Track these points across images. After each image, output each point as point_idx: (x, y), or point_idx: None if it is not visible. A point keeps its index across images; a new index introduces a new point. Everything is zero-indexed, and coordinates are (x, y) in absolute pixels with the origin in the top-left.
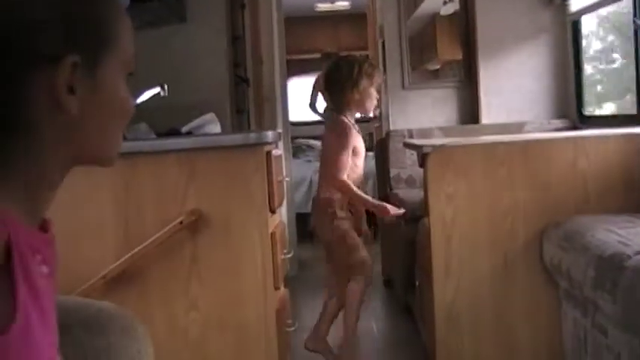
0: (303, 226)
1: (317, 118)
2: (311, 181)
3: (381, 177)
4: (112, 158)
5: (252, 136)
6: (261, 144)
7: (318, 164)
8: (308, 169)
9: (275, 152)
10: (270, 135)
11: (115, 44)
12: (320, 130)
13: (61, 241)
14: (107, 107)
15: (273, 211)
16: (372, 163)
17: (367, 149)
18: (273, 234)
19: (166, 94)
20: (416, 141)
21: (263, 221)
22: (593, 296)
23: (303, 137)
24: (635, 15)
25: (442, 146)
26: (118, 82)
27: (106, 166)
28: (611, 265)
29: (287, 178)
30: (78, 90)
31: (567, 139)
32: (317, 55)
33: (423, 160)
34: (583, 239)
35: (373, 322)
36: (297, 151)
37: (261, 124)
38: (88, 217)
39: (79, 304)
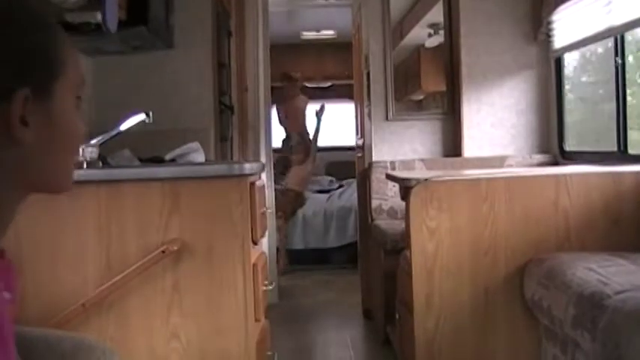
0: (287, 255)
1: None
2: (293, 220)
3: (363, 208)
4: (66, 185)
5: (236, 167)
6: (245, 175)
7: None
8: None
9: (259, 183)
10: (254, 166)
11: (63, 72)
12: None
13: (41, 267)
14: (60, 135)
15: (255, 243)
16: (355, 195)
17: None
18: (255, 265)
19: (151, 121)
20: (398, 173)
21: (245, 253)
22: (573, 334)
23: None
24: (616, 54)
25: (425, 181)
26: (69, 109)
27: (61, 193)
28: (591, 304)
29: (269, 210)
30: (31, 121)
31: (549, 175)
32: (302, 83)
33: (405, 193)
34: (564, 277)
35: (352, 352)
36: (279, 178)
37: (245, 152)
38: (69, 243)
39: (59, 337)
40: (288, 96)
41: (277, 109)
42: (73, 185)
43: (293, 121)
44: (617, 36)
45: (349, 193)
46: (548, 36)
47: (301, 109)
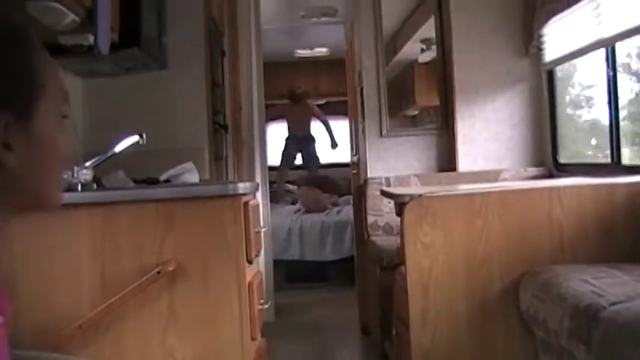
0: (281, 272)
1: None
2: (289, 229)
3: (359, 224)
4: (54, 202)
5: (230, 187)
6: (238, 195)
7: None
8: (287, 216)
9: (253, 202)
10: (247, 186)
11: (43, 92)
12: (296, 174)
13: (37, 290)
14: (45, 156)
15: (250, 262)
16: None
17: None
18: (250, 284)
19: (145, 142)
20: (393, 189)
21: (240, 272)
22: (569, 346)
23: (284, 182)
24: (608, 65)
25: (419, 196)
26: (52, 128)
27: (51, 210)
28: (586, 316)
29: (264, 228)
30: (14, 145)
31: (543, 188)
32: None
33: (400, 209)
34: (559, 289)
35: None
36: (275, 197)
37: (240, 171)
38: (64, 265)
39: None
40: (296, 105)
41: (287, 117)
42: (61, 202)
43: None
44: (607, 47)
45: (347, 209)
46: (540, 49)
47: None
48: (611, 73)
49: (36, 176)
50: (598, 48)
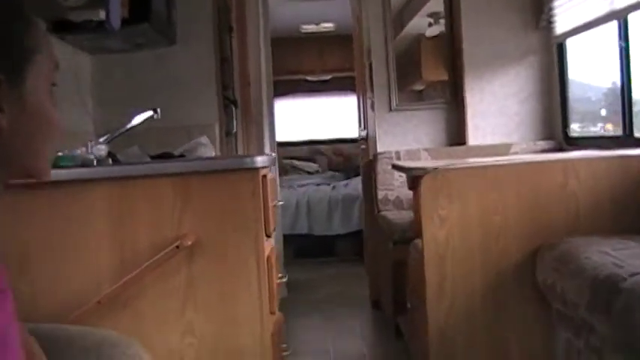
0: (291, 247)
1: (302, 138)
2: (297, 203)
3: (369, 199)
4: (44, 171)
5: (247, 161)
6: (257, 168)
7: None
8: (293, 193)
9: (270, 176)
10: (265, 159)
11: (35, 58)
12: (304, 150)
13: (56, 266)
14: (34, 121)
15: (268, 235)
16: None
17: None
18: (268, 258)
19: (159, 117)
20: (405, 163)
21: (259, 246)
22: (588, 318)
23: (289, 157)
24: (620, 37)
25: (435, 170)
26: (42, 95)
27: (41, 179)
28: (606, 287)
29: (281, 202)
30: (5, 107)
31: (557, 161)
32: (303, 77)
33: (414, 183)
34: (578, 261)
35: (363, 344)
36: (281, 172)
37: (249, 146)
38: (82, 241)
39: (82, 332)
40: None
41: None
42: (50, 173)
43: None
44: (620, 19)
45: (356, 182)
46: (550, 22)
47: None
48: (623, 45)
49: (25, 141)
50: (610, 20)
